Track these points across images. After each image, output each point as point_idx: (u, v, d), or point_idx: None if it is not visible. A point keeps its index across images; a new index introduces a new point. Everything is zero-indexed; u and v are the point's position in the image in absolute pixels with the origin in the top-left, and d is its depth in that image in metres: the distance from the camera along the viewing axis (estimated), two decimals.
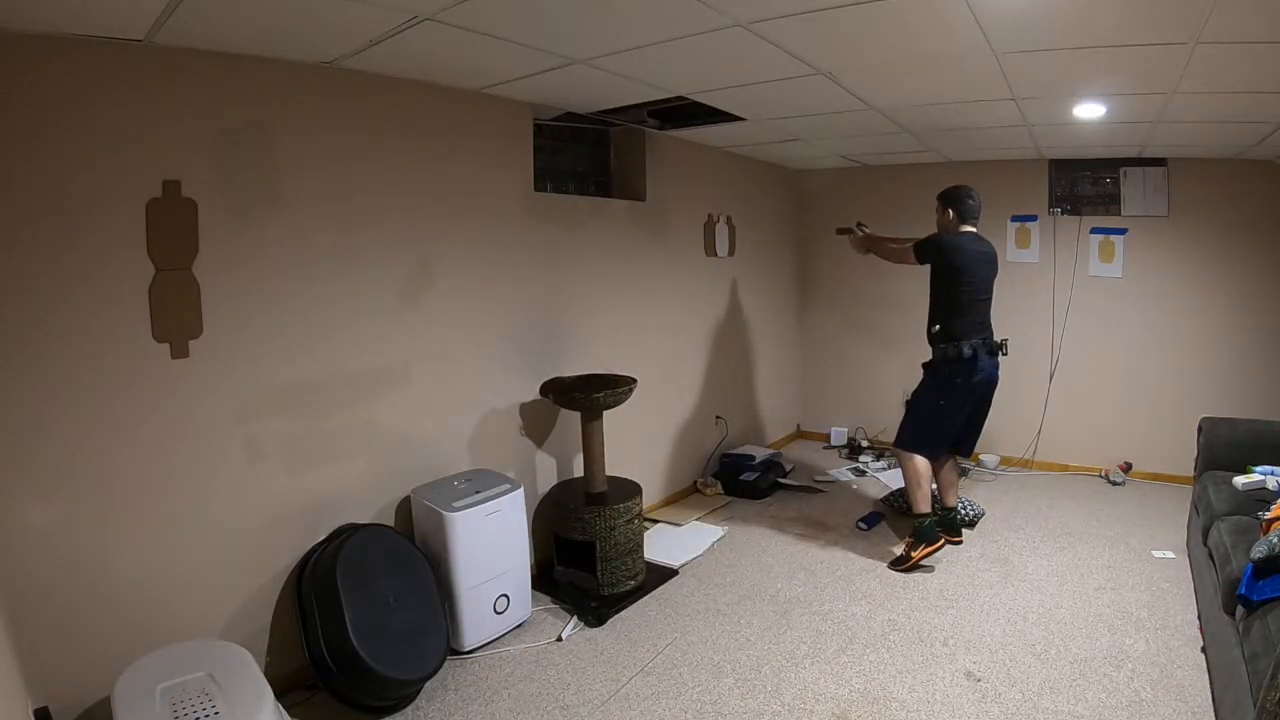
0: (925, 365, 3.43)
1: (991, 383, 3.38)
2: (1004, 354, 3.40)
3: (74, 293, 1.93)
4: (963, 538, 3.58)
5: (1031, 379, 4.79)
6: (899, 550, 3.44)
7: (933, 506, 3.44)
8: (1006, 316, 4.62)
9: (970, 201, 3.34)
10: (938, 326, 3.33)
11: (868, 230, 3.70)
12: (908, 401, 3.48)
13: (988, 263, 3.34)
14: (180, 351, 2.13)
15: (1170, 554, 3.38)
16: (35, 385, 1.88)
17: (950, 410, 3.33)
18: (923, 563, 3.29)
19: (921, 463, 3.38)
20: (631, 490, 3.21)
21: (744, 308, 4.90)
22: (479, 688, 2.46)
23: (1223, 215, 4.25)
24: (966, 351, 3.24)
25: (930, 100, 3.09)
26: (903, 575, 3.24)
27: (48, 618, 1.91)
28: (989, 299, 3.38)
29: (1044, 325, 4.74)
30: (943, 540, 3.38)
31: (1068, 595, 3.02)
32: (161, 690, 1.74)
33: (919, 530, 3.36)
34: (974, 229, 3.36)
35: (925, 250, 3.32)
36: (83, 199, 1.93)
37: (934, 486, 3.52)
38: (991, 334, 3.37)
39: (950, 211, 3.36)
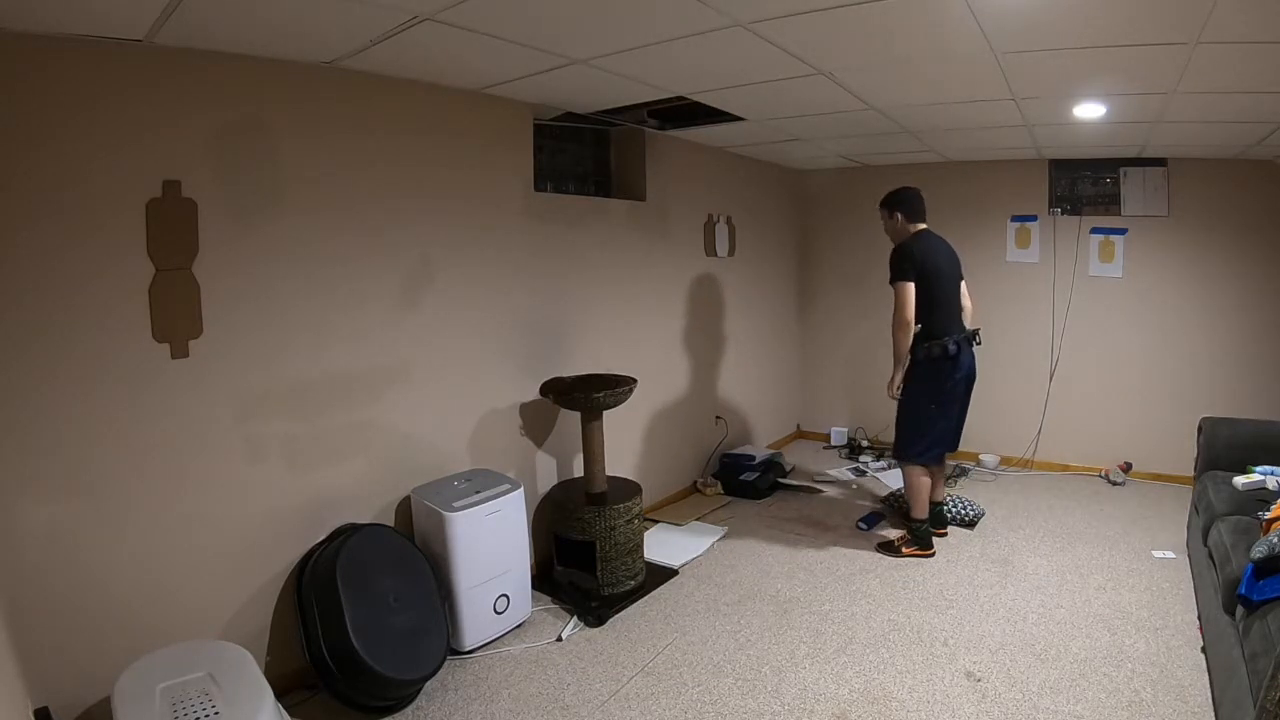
0: (908, 368, 3.39)
1: (972, 376, 3.42)
2: (978, 344, 3.44)
3: (74, 293, 1.93)
4: (947, 531, 3.67)
5: (1031, 379, 4.79)
6: (892, 537, 3.57)
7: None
8: (1007, 316, 4.67)
9: (916, 201, 3.38)
10: (920, 326, 3.32)
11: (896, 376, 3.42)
12: (899, 415, 3.44)
13: (950, 259, 3.38)
14: (180, 351, 2.13)
15: (1170, 554, 3.38)
16: (36, 385, 1.88)
17: (942, 413, 3.35)
18: (912, 560, 3.37)
19: (924, 474, 3.42)
20: (631, 490, 3.21)
21: (744, 308, 4.89)
22: (479, 688, 2.46)
23: (1223, 215, 4.25)
24: (951, 349, 3.26)
25: (930, 100, 3.09)
26: (903, 575, 3.24)
27: (48, 618, 1.91)
28: (959, 292, 3.43)
29: (1044, 325, 4.74)
30: (933, 551, 3.44)
31: (1068, 595, 3.02)
32: (161, 690, 1.74)
33: (915, 532, 3.45)
34: (925, 225, 3.39)
35: (903, 272, 3.24)
36: (83, 199, 1.93)
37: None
38: (964, 326, 3.42)
39: (899, 215, 3.38)
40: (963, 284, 3.49)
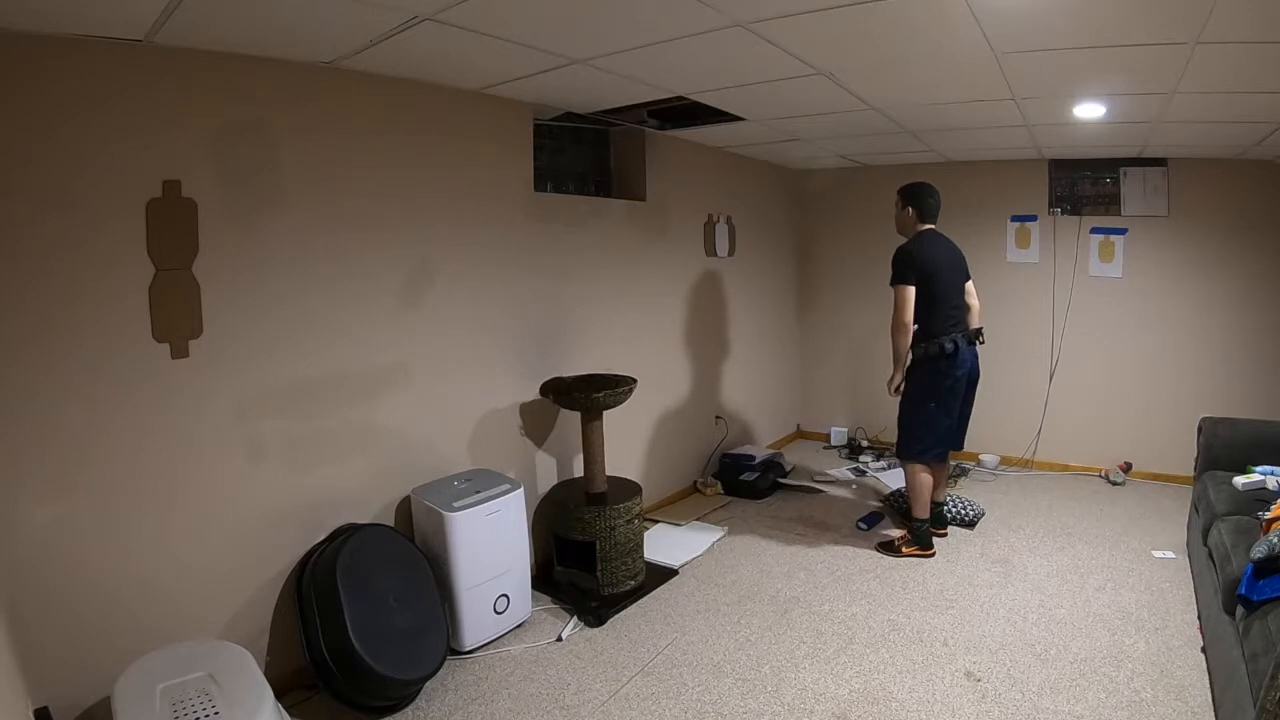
0: (908, 368, 3.39)
1: (974, 374, 3.42)
2: (981, 343, 3.44)
3: (75, 293, 1.93)
4: (947, 531, 3.68)
5: (1031, 379, 4.79)
6: (893, 537, 3.58)
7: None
8: (1007, 316, 4.66)
9: (931, 200, 3.38)
10: (916, 325, 3.32)
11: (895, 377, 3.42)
12: (900, 414, 3.45)
13: (953, 261, 3.38)
14: (180, 351, 2.13)
15: (1170, 554, 3.38)
16: (36, 385, 1.88)
17: (944, 411, 3.35)
18: (912, 560, 3.38)
19: (926, 473, 3.42)
20: (631, 490, 3.21)
21: (744, 308, 4.89)
22: (479, 688, 2.46)
23: (1223, 215, 4.25)
24: (948, 347, 3.25)
25: (930, 100, 3.09)
26: (903, 575, 3.24)
27: (48, 618, 1.91)
28: (961, 292, 3.43)
29: (1044, 325, 4.74)
30: (934, 551, 3.44)
31: (1068, 595, 3.02)
32: (161, 690, 1.74)
33: (916, 532, 3.45)
34: (933, 226, 3.39)
35: (903, 276, 3.26)
36: (83, 199, 1.93)
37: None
38: (966, 325, 3.42)
39: (910, 209, 3.40)
40: (969, 284, 3.49)
